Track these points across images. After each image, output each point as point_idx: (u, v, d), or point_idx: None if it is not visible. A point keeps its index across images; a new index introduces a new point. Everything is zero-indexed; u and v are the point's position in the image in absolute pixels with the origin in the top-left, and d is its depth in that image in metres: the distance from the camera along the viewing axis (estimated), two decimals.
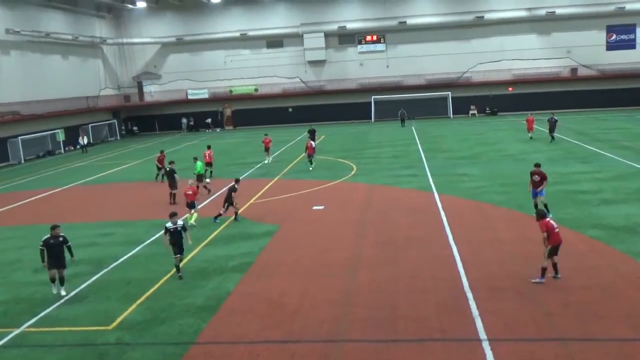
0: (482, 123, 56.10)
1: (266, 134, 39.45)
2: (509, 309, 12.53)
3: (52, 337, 12.54)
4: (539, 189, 19.91)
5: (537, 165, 20.45)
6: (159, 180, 31.27)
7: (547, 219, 14.15)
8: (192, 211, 21.67)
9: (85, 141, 53.55)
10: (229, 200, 21.58)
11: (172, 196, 25.73)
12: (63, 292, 14.92)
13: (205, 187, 27.48)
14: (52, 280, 15.01)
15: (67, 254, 15.22)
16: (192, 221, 21.35)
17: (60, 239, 15.10)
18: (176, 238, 15.59)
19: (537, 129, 42.49)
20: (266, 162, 36.51)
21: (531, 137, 40.07)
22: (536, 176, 19.93)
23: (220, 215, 21.80)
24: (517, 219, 20.04)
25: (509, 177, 27.37)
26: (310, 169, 32.76)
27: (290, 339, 11.79)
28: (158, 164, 32.04)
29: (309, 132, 41.98)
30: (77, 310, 14.00)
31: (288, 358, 11.05)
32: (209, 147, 33.56)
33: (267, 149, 37.38)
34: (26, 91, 50.02)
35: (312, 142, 34.42)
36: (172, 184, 25.86)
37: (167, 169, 26.26)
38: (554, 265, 14.05)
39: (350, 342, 11.54)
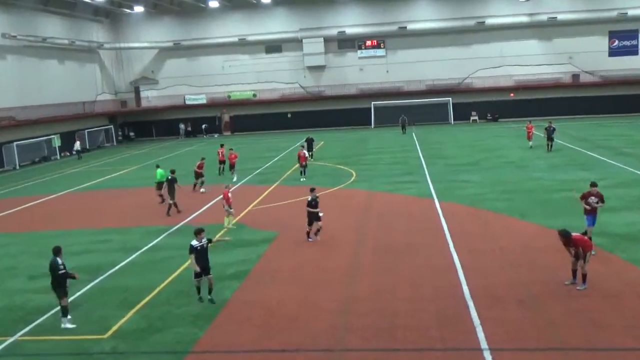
0: (483, 129, 56.15)
1: (231, 148, 34.72)
2: (511, 318, 12.49)
3: (46, 346, 12.49)
4: (595, 214, 16.71)
5: (594, 184, 16.91)
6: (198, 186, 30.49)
7: (574, 234, 14.13)
8: (227, 210, 21.62)
9: (79, 147, 53.44)
10: (314, 217, 19.37)
11: (170, 207, 25.13)
12: (68, 325, 13.41)
13: (160, 195, 27.34)
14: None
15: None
16: (228, 225, 21.55)
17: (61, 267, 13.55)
18: (204, 257, 14.38)
19: (537, 135, 42.46)
20: (234, 179, 32.45)
21: (531, 146, 39.11)
22: (593, 198, 16.51)
23: (309, 234, 19.58)
24: (518, 227, 20.01)
25: (511, 184, 27.37)
26: (302, 179, 31.23)
27: (288, 348, 11.75)
28: (197, 170, 30.67)
29: (306, 140, 39.77)
30: (72, 318, 13.91)
31: None
32: (221, 146, 36.47)
33: (232, 166, 33.58)
34: (22, 96, 50.06)
35: (305, 152, 33.19)
36: (172, 194, 25.32)
37: (169, 177, 25.77)
38: (575, 272, 14.08)
39: (350, 352, 11.50)
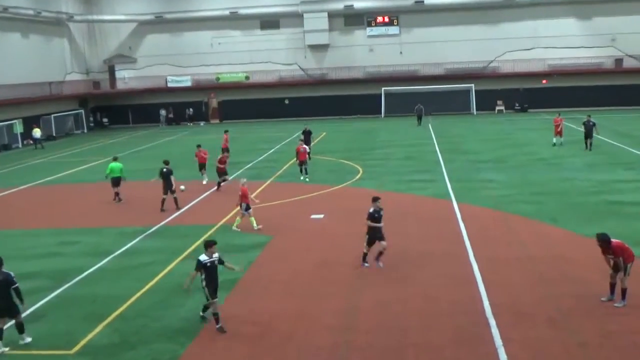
0: (510, 121, 56.17)
1: (199, 145, 32.45)
2: (538, 339, 12.55)
3: None
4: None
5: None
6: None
7: (615, 241, 14.12)
8: (246, 214, 21.68)
9: (39, 134, 53.13)
10: (377, 235, 17.29)
11: (163, 201, 25.63)
12: (27, 339, 13.35)
13: (116, 193, 27.61)
14: None
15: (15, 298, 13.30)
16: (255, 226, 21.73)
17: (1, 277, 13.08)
18: (213, 276, 13.56)
19: (573, 128, 42.53)
20: (204, 182, 31.12)
21: (555, 144, 38.26)
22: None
23: (365, 258, 17.60)
24: (549, 234, 20.06)
25: (541, 185, 27.42)
26: (305, 179, 30.54)
27: None
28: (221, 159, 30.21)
29: (303, 132, 38.77)
30: (33, 330, 13.95)
31: None
32: (226, 132, 38.57)
33: (202, 166, 31.55)
34: None
35: (305, 147, 31.89)
36: (167, 187, 25.69)
37: (164, 169, 25.92)
38: (613, 286, 14.12)
39: None
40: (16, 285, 13.15)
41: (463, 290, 15.38)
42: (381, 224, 17.32)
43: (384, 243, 17.18)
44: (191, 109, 67.79)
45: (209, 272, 13.45)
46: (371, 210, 17.28)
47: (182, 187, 26.68)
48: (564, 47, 62.13)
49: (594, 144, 36.70)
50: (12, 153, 50.24)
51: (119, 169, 27.61)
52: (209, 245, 13.66)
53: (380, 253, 17.31)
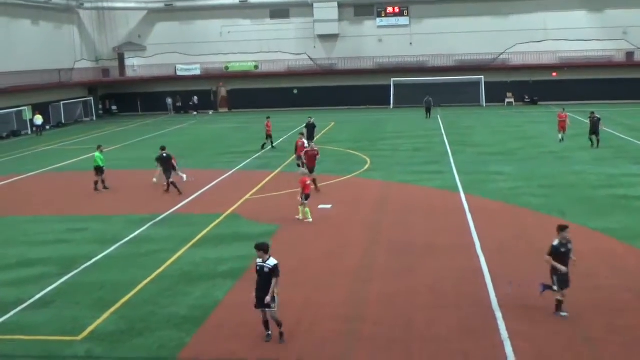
0: (519, 113, 55.98)
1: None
2: (544, 333, 12.53)
3: (11, 347, 12.64)
4: None
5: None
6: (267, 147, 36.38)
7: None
8: (305, 202, 21.56)
9: (40, 121, 53.13)
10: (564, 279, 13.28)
11: (169, 186, 26.19)
12: None
13: (103, 181, 27.58)
14: None
15: None
16: (300, 216, 21.57)
17: None
18: (264, 282, 12.32)
19: (582, 122, 42.20)
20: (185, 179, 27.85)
21: (561, 139, 37.23)
22: None
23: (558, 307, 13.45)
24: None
25: (549, 178, 27.34)
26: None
27: (287, 357, 11.84)
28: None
29: (306, 126, 37.99)
30: (41, 316, 14.09)
31: None
32: (268, 118, 39.09)
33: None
34: None
35: (305, 141, 30.06)
36: (168, 173, 26.08)
37: (164, 155, 26.22)
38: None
39: None
40: None
41: (470, 282, 15.37)
42: (572, 257, 13.39)
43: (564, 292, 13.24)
44: (195, 97, 67.71)
45: (260, 276, 12.34)
46: (555, 243, 13.29)
47: (184, 176, 26.80)
48: (574, 39, 61.74)
49: (603, 137, 36.20)
50: (21, 140, 50.42)
51: (100, 158, 27.64)
52: (260, 248, 12.40)
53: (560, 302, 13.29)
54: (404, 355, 11.82)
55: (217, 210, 23.16)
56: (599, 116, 35.68)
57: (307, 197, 21.51)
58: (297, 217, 21.66)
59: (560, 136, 37.56)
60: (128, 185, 28.51)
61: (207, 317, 13.76)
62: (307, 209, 21.58)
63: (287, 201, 24.64)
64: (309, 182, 22.01)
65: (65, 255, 18.60)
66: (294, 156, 30.60)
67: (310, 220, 21.38)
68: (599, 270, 15.90)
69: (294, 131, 46.17)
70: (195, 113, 66.55)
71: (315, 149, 27.21)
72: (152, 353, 12.18)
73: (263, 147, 38.17)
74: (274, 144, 38.50)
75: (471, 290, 14.84)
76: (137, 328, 13.30)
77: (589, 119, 36.01)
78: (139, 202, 25.53)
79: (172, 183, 26.18)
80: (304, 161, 26.74)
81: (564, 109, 39.04)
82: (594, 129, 35.25)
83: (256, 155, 36.39)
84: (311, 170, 25.64)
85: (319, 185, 25.91)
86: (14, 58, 52.95)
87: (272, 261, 12.25)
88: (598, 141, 35.28)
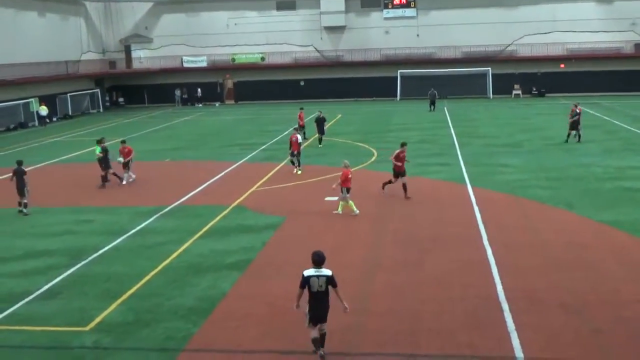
0: (527, 105, 55.81)
1: (123, 141, 28.74)
2: (551, 324, 12.54)
3: (20, 337, 12.72)
4: None
5: None
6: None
7: None
8: (347, 196, 21.09)
9: (44, 113, 53.37)
10: None
11: (105, 178, 26.85)
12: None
13: (114, 174, 27.62)
14: None
15: None
16: (340, 210, 21.26)
17: None
18: (320, 297, 11.22)
19: (590, 113, 42.12)
20: (124, 182, 27.56)
21: (576, 135, 35.29)
22: None
23: None
24: (564, 220, 19.98)
25: (557, 170, 27.28)
26: (297, 172, 28.18)
27: (293, 349, 11.90)
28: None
29: (316, 120, 36.45)
30: (49, 307, 14.17)
31: None
32: (301, 109, 39.49)
33: (126, 163, 27.65)
34: None
35: (299, 136, 28.97)
36: (106, 165, 26.75)
37: (102, 147, 26.79)
38: None
39: (364, 356, 11.62)
40: None
41: (476, 274, 15.37)
42: None
43: None
44: (199, 89, 67.76)
45: (313, 289, 11.27)
46: None
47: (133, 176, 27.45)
48: (582, 31, 61.43)
49: (612, 129, 36.21)
50: (28, 131, 50.54)
51: (99, 151, 27.70)
52: (317, 261, 11.43)
53: None
54: (410, 347, 11.85)
55: (224, 202, 23.20)
56: (578, 110, 34.28)
57: (347, 190, 21.01)
58: (335, 211, 21.28)
59: (573, 132, 35.49)
60: (135, 177, 28.52)
61: (214, 309, 13.81)
62: (351, 202, 21.11)
63: (293, 193, 24.68)
64: (350, 176, 21.20)
65: (72, 246, 18.68)
66: (288, 151, 28.96)
67: (357, 212, 20.97)
68: (606, 262, 15.88)
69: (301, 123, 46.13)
70: (200, 105, 66.62)
71: (405, 150, 23.59)
72: (159, 344, 12.24)
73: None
74: (305, 135, 37.81)
75: (478, 282, 14.85)
76: (144, 319, 13.36)
77: (570, 113, 34.71)
78: (145, 194, 25.60)
79: (114, 173, 26.86)
80: (395, 163, 23.25)
81: (578, 104, 36.84)
82: (574, 123, 33.98)
83: (262, 147, 36.40)
84: (402, 174, 23.17)
85: (327, 176, 25.87)
86: (21, 50, 53.05)
87: (327, 271, 11.32)
88: (579, 136, 34.08)
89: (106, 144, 27.59)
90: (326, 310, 11.26)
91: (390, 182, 23.29)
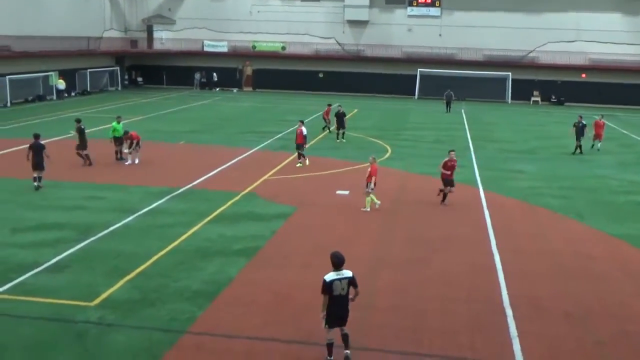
0: (545, 113, 55.54)
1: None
2: (554, 333, 12.53)
3: (25, 308, 12.85)
4: None
5: None
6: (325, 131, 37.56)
7: None
8: (371, 191, 20.99)
9: (61, 87, 53.79)
10: None
11: (86, 157, 26.85)
12: None
13: (118, 152, 28.00)
14: None
15: None
16: (368, 208, 21.06)
17: None
18: (341, 302, 10.85)
19: (608, 126, 41.85)
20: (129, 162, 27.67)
21: (596, 149, 34.78)
22: None
23: None
24: (574, 230, 19.93)
25: (570, 180, 27.17)
26: (299, 164, 27.91)
27: (296, 339, 11.96)
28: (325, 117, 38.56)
29: (336, 115, 35.63)
30: (56, 280, 14.31)
31: None
32: (329, 105, 39.18)
33: (136, 143, 27.52)
34: (20, 24, 50.52)
35: (304, 129, 28.11)
36: (82, 144, 26.85)
37: (82, 127, 27.04)
38: None
39: (366, 351, 11.65)
40: None
41: (482, 278, 15.37)
42: None
43: None
44: (215, 74, 67.91)
45: (333, 294, 10.81)
46: None
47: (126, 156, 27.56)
48: (606, 42, 60.93)
49: (630, 143, 35.97)
50: (46, 104, 50.77)
51: (121, 128, 27.88)
52: (337, 264, 10.87)
53: None
54: (413, 344, 11.89)
55: (235, 188, 23.28)
56: (585, 122, 33.94)
57: (373, 185, 20.84)
58: (363, 209, 21.04)
59: (594, 144, 35.10)
60: (147, 157, 28.62)
61: (219, 293, 13.89)
62: (373, 196, 21.03)
63: (305, 184, 24.72)
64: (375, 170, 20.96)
65: (82, 221, 18.81)
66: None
67: (378, 203, 20.99)
68: (613, 275, 15.84)
69: (317, 115, 46.14)
70: (215, 90, 66.72)
71: (455, 159, 22.43)
72: (163, 324, 12.32)
73: (323, 129, 38.46)
74: (330, 130, 37.83)
75: (483, 286, 14.85)
76: (150, 298, 13.46)
77: (574, 125, 34.21)
78: (158, 174, 25.70)
79: (86, 154, 26.83)
80: (443, 172, 22.13)
81: (602, 117, 36.55)
82: (579, 135, 33.49)
83: (277, 136, 36.43)
84: (450, 183, 22.11)
85: (340, 170, 25.85)
86: (44, 23, 53.22)
87: (348, 272, 10.87)
88: (581, 147, 33.58)
89: (126, 121, 27.65)
90: (346, 313, 10.92)
91: (442, 191, 22.21)
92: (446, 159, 22.17)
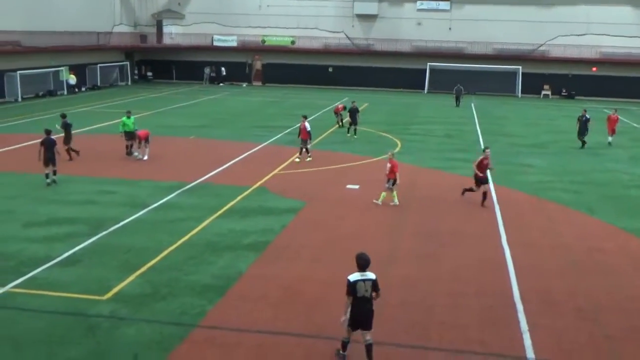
0: (555, 106, 55.31)
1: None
2: (564, 327, 12.52)
3: (38, 302, 12.93)
4: None
5: None
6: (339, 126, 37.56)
7: None
8: (393, 188, 20.86)
9: (72, 82, 54.04)
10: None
11: (67, 151, 26.75)
12: None
13: (129, 147, 28.00)
14: None
15: None
16: (379, 201, 21.07)
17: None
18: (364, 303, 10.56)
19: (623, 120, 41.55)
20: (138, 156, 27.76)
21: (610, 143, 34.86)
22: None
23: None
24: (586, 224, 19.88)
25: (581, 174, 27.08)
26: (297, 160, 27.74)
27: (306, 333, 12.00)
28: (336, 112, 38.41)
29: (349, 111, 35.54)
30: (68, 274, 14.40)
31: (302, 355, 11.26)
32: (350, 104, 36.28)
33: (144, 138, 27.61)
34: (29, 19, 50.71)
35: (307, 124, 27.86)
36: (67, 138, 26.90)
37: (68, 122, 27.21)
38: None
39: (376, 345, 11.61)
40: None
41: (493, 273, 15.35)
42: None
43: None
44: (223, 69, 67.92)
45: (357, 295, 10.55)
46: None
47: (136, 153, 27.46)
48: (617, 35, 60.56)
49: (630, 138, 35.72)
50: (57, 99, 51.02)
51: (132, 123, 27.95)
52: (362, 264, 10.68)
53: None
54: (422, 338, 11.91)
55: (245, 183, 23.33)
56: (589, 116, 33.83)
57: (393, 182, 20.79)
58: (392, 203, 20.95)
59: (610, 139, 35.04)
60: (157, 152, 28.72)
61: (230, 288, 13.94)
62: (395, 193, 21.00)
63: (315, 179, 24.73)
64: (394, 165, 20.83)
65: (94, 216, 18.90)
66: (298, 138, 28.22)
67: (397, 202, 20.88)
68: (624, 269, 15.80)
69: (327, 109, 46.15)
70: (223, 84, 66.76)
71: (489, 157, 21.52)
72: (174, 318, 12.39)
73: (339, 124, 38.34)
74: (342, 124, 37.85)
75: (494, 281, 14.84)
76: (161, 292, 13.53)
77: (577, 119, 34.18)
78: (168, 169, 25.78)
79: (69, 148, 26.84)
80: (478, 174, 21.22)
81: (615, 111, 36.35)
82: (582, 130, 33.56)
83: (287, 130, 36.45)
84: (484, 181, 21.32)
85: (350, 164, 25.84)
86: (54, 18, 53.34)
87: (372, 274, 10.63)
88: (584, 142, 33.55)
89: (136, 116, 27.72)
90: (370, 316, 10.60)
91: (471, 189, 21.56)
92: (481, 157, 21.34)
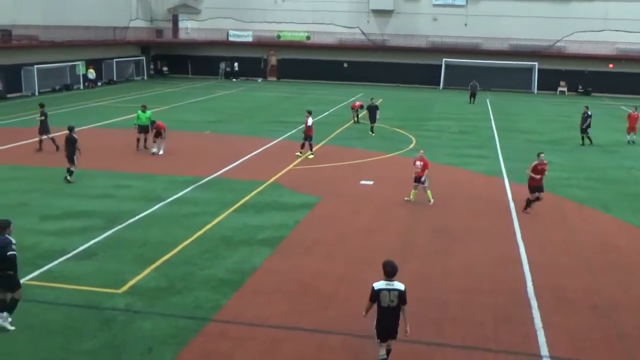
0: (571, 103, 54.92)
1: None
2: (579, 325, 12.47)
3: (54, 294, 13.06)
4: None
5: None
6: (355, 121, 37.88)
7: None
8: (425, 185, 20.90)
9: (92, 76, 54.64)
10: None
11: (39, 142, 27.30)
12: (8, 326, 11.50)
13: (139, 140, 28.20)
14: None
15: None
16: (411, 197, 21.04)
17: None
18: (390, 313, 10.16)
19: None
20: (154, 150, 27.71)
21: (631, 141, 34.29)
22: None
23: None
24: (600, 221, 19.77)
25: (596, 171, 26.93)
26: (299, 154, 27.96)
27: (319, 328, 12.03)
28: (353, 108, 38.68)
29: (368, 108, 35.24)
30: (84, 267, 14.52)
31: (315, 349, 11.30)
32: (369, 101, 35.93)
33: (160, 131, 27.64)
34: (47, 14, 51.04)
35: (310, 119, 28.00)
36: (44, 130, 27.27)
37: (44, 111, 27.47)
38: None
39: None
40: (11, 253, 11.21)
41: (507, 269, 15.32)
42: None
43: None
44: (236, 64, 68.05)
45: (382, 304, 10.14)
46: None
47: (155, 150, 27.45)
48: (635, 31, 59.98)
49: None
50: (73, 94, 51.31)
51: (146, 117, 28.04)
52: (388, 272, 10.15)
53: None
54: (436, 334, 11.91)
55: (260, 178, 23.39)
56: (590, 112, 33.41)
57: (419, 180, 20.81)
58: (406, 198, 21.05)
59: (629, 137, 34.51)
60: (173, 146, 28.84)
61: (244, 282, 14.00)
62: (429, 192, 20.93)
63: (330, 174, 24.75)
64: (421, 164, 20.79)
65: (109, 210, 19.03)
66: (302, 135, 28.32)
67: (432, 201, 20.76)
68: (639, 267, 15.73)
69: (342, 105, 46.15)
70: (235, 80, 66.87)
71: (545, 161, 20.51)
72: (188, 312, 12.47)
73: (354, 119, 38.58)
74: (358, 119, 38.28)
75: (508, 277, 14.80)
76: (176, 286, 13.62)
77: (582, 116, 33.79)
78: (183, 164, 25.86)
79: (52, 138, 27.15)
80: (532, 176, 20.17)
81: (636, 108, 35.47)
82: (583, 126, 33.30)
83: (302, 126, 36.34)
84: (538, 189, 20.16)
85: (364, 160, 25.81)
86: (71, 13, 53.66)
87: (400, 285, 10.14)
88: (590, 139, 33.37)
89: (152, 110, 27.84)
90: (396, 327, 10.24)
91: (533, 200, 20.15)
92: (536, 162, 20.16)
